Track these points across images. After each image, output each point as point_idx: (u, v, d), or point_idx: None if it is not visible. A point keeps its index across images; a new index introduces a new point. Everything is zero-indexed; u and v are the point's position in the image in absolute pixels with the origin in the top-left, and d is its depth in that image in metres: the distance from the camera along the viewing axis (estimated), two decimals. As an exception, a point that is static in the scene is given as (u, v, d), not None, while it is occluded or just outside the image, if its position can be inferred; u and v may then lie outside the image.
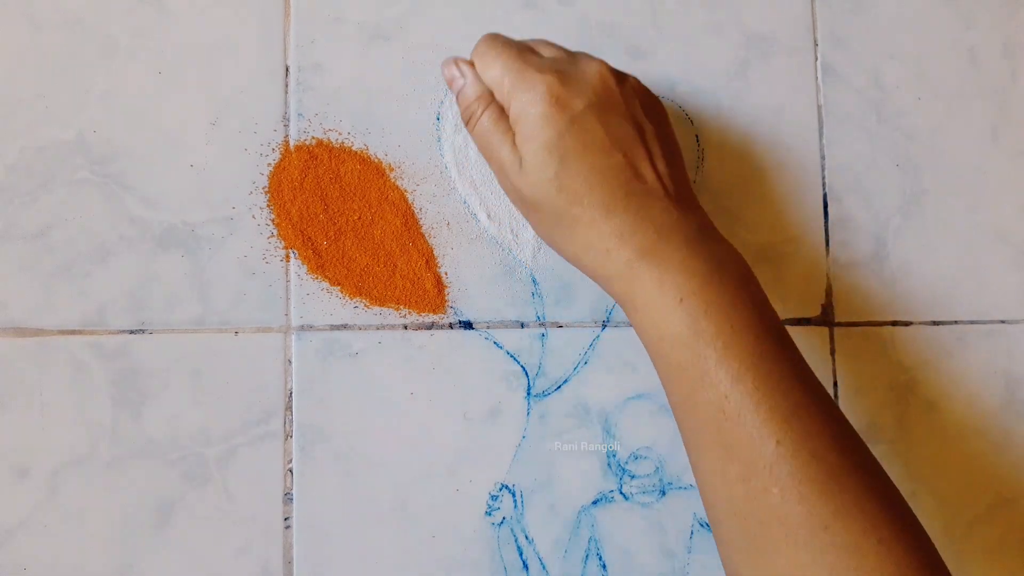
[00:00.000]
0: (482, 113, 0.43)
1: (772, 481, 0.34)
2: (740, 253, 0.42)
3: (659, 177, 0.41)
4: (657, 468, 0.50)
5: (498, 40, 0.44)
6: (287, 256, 0.47)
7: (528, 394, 0.49)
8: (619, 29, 0.52)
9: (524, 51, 0.43)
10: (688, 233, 0.40)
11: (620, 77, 0.43)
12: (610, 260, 0.39)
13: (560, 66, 0.42)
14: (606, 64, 0.43)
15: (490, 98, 0.43)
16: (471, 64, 0.44)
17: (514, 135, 0.41)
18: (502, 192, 0.49)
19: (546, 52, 0.44)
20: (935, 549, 0.36)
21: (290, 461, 0.46)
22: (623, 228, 0.39)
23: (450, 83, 0.45)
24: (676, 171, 0.43)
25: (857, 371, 0.53)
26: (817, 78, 0.55)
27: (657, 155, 0.42)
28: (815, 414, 0.36)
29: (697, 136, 0.53)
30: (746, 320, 0.38)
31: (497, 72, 0.42)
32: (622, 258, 0.39)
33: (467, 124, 0.44)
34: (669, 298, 0.38)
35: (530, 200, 0.41)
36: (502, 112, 0.42)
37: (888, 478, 0.38)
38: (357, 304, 0.47)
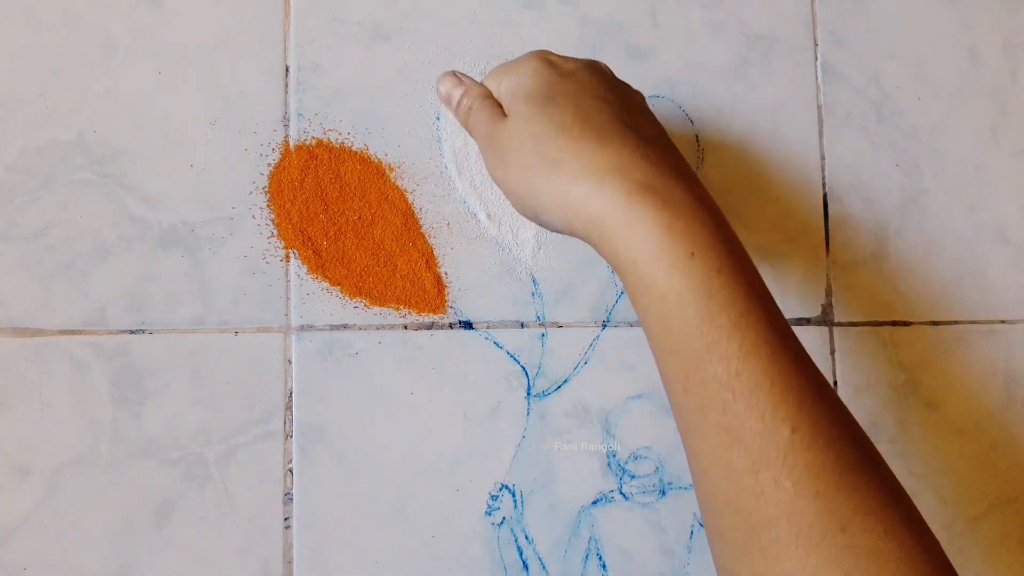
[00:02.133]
0: (475, 99, 0.41)
1: (785, 473, 0.30)
2: None
3: (655, 130, 0.39)
4: (657, 468, 0.50)
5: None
6: (287, 256, 0.47)
7: (528, 394, 0.49)
8: (619, 29, 0.52)
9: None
10: (691, 177, 0.35)
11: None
12: (604, 193, 0.33)
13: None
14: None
15: (486, 92, 0.42)
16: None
17: (503, 110, 0.40)
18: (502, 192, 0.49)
19: None
20: (946, 555, 0.33)
21: (290, 461, 0.46)
22: (619, 160, 0.34)
23: (447, 97, 0.45)
24: (669, 144, 0.40)
25: (857, 371, 0.53)
26: (817, 78, 0.55)
27: (651, 122, 0.40)
28: (827, 402, 0.32)
29: (697, 136, 0.53)
30: (759, 287, 0.33)
31: (492, 75, 0.42)
32: (620, 190, 0.33)
33: (461, 118, 0.43)
34: (680, 249, 0.32)
35: (511, 146, 0.37)
36: (496, 103, 0.41)
37: (895, 476, 0.34)
38: (357, 304, 0.47)
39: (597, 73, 0.41)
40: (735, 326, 0.32)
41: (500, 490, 0.48)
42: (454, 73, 0.45)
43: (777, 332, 0.33)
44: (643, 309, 0.34)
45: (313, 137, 0.48)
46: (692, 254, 0.32)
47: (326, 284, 0.47)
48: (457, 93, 0.44)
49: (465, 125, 0.44)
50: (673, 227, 0.32)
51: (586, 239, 0.35)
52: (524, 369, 0.49)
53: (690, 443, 0.34)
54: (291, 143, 0.48)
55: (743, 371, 0.31)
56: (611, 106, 0.38)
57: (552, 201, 0.36)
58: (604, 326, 0.50)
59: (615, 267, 0.34)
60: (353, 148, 0.48)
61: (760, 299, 0.33)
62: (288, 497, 0.46)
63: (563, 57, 0.42)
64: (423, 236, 0.48)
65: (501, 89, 0.41)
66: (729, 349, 0.31)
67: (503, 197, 0.49)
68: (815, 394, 0.32)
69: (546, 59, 0.41)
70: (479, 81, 0.44)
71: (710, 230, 0.33)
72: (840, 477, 0.31)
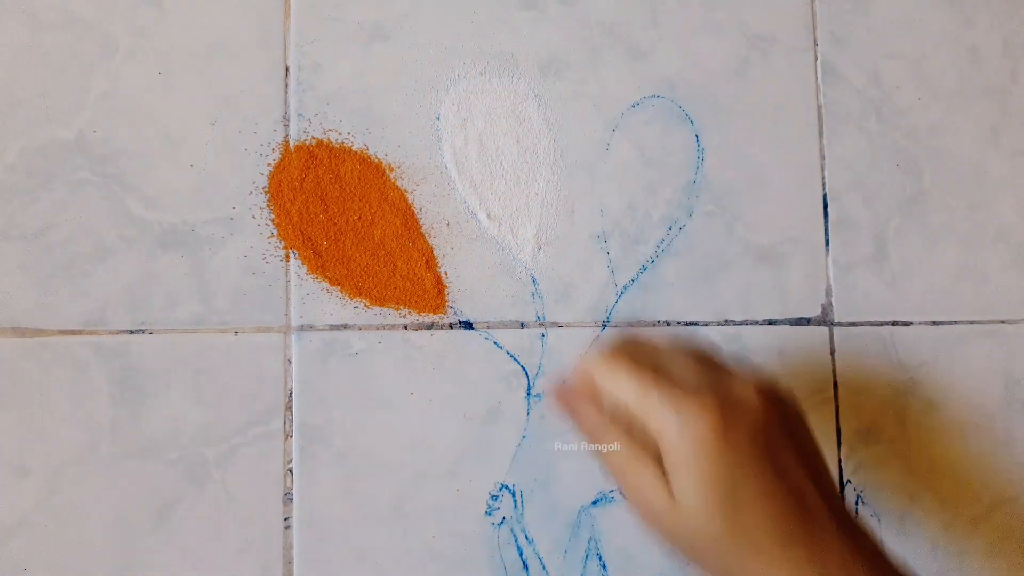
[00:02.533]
0: (616, 440, 0.38)
1: None
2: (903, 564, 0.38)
3: (824, 502, 0.37)
4: (657, 468, 0.50)
5: (624, 355, 0.39)
6: (287, 256, 0.47)
7: (528, 394, 0.49)
8: (619, 29, 0.52)
9: (659, 367, 0.38)
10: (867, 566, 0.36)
11: (774, 398, 0.38)
12: None
13: (713, 389, 0.37)
14: (759, 383, 0.38)
15: (620, 421, 0.38)
16: (584, 381, 0.39)
17: (661, 467, 0.36)
18: (502, 192, 0.49)
19: (681, 365, 0.39)
20: None
21: (290, 461, 0.46)
22: (802, 559, 0.35)
23: (568, 414, 0.41)
24: (832, 489, 0.38)
25: (857, 371, 0.53)
26: (817, 78, 0.55)
27: (818, 479, 0.37)
28: None
29: (697, 136, 0.53)
30: None
31: (632, 394, 0.37)
32: None
33: (595, 451, 0.39)
34: None
35: (693, 543, 0.36)
36: (635, 437, 0.37)
37: None
38: (357, 304, 0.47)
39: (769, 440, 0.37)
40: None
41: (500, 490, 0.48)
42: (566, 394, 0.40)
43: None
44: None
45: (313, 137, 0.48)
46: None
47: (326, 284, 0.47)
48: (590, 421, 0.39)
49: (595, 453, 0.40)
50: None
51: None
52: (524, 369, 0.49)
53: None
54: (291, 143, 0.48)
55: None
56: (789, 491, 0.36)
57: None
58: (604, 326, 0.50)
59: None
60: (353, 148, 0.48)
61: None
62: (288, 497, 0.46)
63: (732, 416, 0.36)
64: (423, 236, 0.48)
65: (654, 430, 0.36)
66: None
67: (503, 197, 0.49)
68: None
69: (716, 429, 0.36)
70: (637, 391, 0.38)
71: None
72: None
